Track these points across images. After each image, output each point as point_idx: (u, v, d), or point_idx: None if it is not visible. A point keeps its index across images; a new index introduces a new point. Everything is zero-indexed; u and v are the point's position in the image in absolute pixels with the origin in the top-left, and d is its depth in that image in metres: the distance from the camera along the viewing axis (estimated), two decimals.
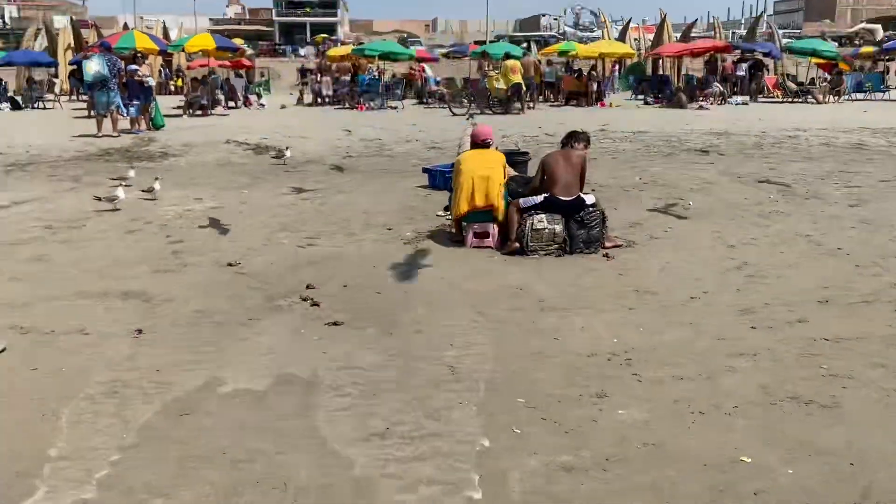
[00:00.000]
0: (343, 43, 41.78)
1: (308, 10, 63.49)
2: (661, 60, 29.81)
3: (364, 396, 3.45)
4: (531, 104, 21.92)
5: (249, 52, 32.91)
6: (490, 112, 19.99)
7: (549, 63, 28.22)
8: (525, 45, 37.65)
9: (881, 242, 6.32)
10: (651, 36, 34.27)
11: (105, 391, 3.51)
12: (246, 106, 23.73)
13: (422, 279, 5.35)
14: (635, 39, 35.77)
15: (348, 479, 2.77)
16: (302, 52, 31.87)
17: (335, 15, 63.78)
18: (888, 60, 30.13)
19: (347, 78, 24.69)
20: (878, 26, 44.57)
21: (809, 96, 24.90)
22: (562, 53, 29.65)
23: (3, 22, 57.93)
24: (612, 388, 3.53)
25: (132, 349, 4.03)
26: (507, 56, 21.79)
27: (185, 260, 5.85)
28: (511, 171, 6.75)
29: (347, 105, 23.29)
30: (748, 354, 3.92)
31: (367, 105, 22.57)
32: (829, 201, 8.10)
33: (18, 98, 24.04)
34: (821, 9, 69.59)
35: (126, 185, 8.29)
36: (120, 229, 6.93)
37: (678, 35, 32.22)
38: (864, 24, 48.88)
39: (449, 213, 6.75)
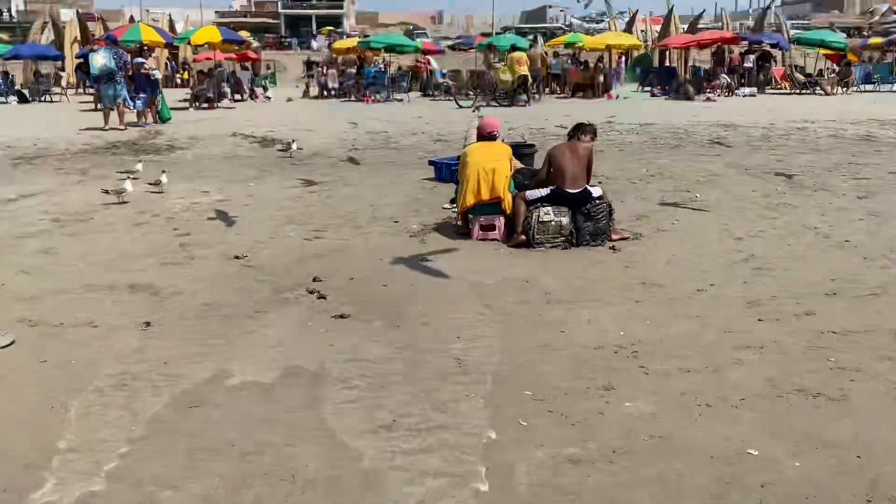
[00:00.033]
0: (349, 35, 41.72)
1: (314, 2, 63.39)
2: (667, 52, 29.68)
3: (371, 389, 3.46)
4: (537, 96, 21.86)
5: (255, 44, 32.92)
6: (496, 104, 19.95)
7: (556, 55, 28.12)
8: (531, 36, 37.49)
9: (889, 234, 6.29)
10: (658, 27, 34.10)
11: (114, 384, 3.52)
12: (252, 99, 23.73)
13: (428, 272, 5.35)
14: (642, 31, 35.60)
15: (356, 472, 2.78)
16: (314, 44, 31.78)
17: (341, 7, 63.61)
18: None
19: (353, 70, 24.66)
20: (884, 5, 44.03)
21: (817, 88, 24.77)
22: (568, 45, 29.54)
23: (10, 15, 58.01)
24: (619, 380, 3.53)
25: (140, 342, 4.05)
26: (514, 48, 21.69)
27: (192, 253, 5.87)
28: (517, 164, 6.74)
29: (353, 98, 23.27)
30: (755, 347, 3.92)
31: (372, 97, 22.54)
32: (837, 193, 8.06)
33: (25, 91, 24.10)
34: None
35: (133, 179, 8.31)
36: (127, 222, 6.95)
37: (685, 26, 32.07)
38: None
39: (455, 205, 6.75)
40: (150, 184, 8.32)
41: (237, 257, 5.70)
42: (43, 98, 23.79)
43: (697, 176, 9.18)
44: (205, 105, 19.94)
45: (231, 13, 62.19)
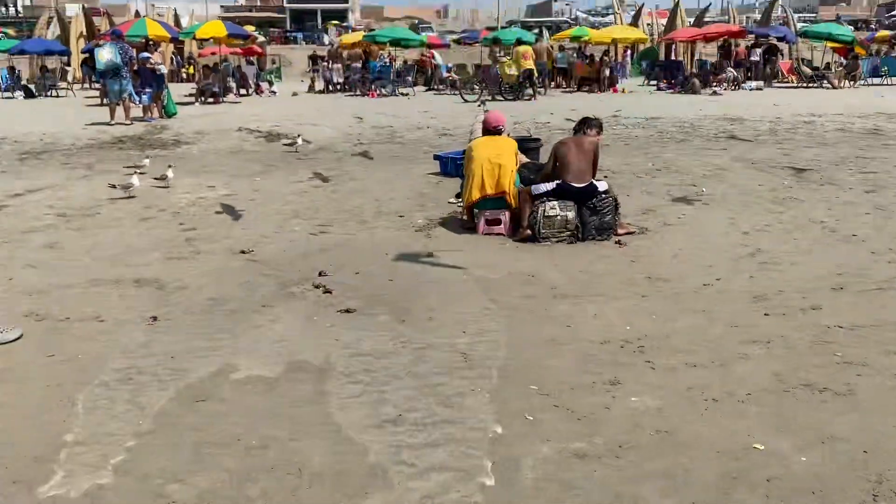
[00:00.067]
0: (354, 29, 41.67)
1: None
2: (674, 45, 29.57)
3: (377, 383, 3.47)
4: (542, 90, 21.81)
5: (261, 39, 32.88)
6: (502, 98, 19.91)
7: (562, 49, 28.05)
8: (537, 30, 37.38)
9: None
10: (664, 21, 33.96)
11: (120, 378, 3.54)
12: (257, 93, 23.74)
13: (433, 266, 5.35)
14: (648, 24, 35.47)
15: (362, 466, 2.79)
16: (326, 39, 31.71)
17: (346, 1, 63.55)
18: None
19: (359, 65, 24.64)
20: None
21: (825, 81, 24.65)
22: (574, 39, 29.45)
23: (16, 10, 58.13)
24: (625, 375, 3.52)
25: (146, 336, 4.06)
26: (519, 42, 21.66)
27: (198, 247, 5.88)
28: (523, 158, 6.73)
29: (359, 92, 23.25)
30: (761, 342, 3.91)
31: (378, 92, 22.53)
32: (844, 187, 8.03)
33: (32, 86, 24.15)
34: None
35: (140, 174, 8.33)
36: (133, 217, 6.97)
37: (691, 20, 31.92)
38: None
39: (460, 200, 6.74)
40: (155, 178, 8.34)
41: (243, 252, 5.71)
42: (49, 93, 23.84)
43: (704, 170, 9.15)
44: (210, 100, 19.95)
45: (236, 7, 62.20)
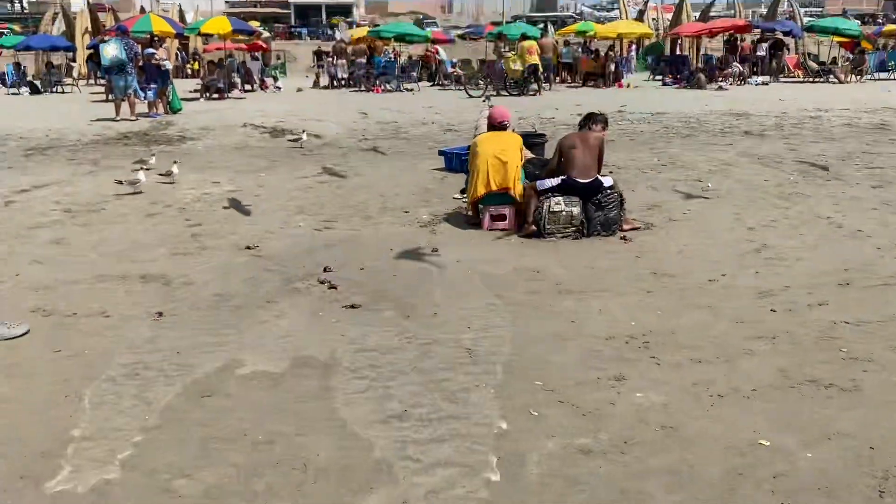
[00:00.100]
0: (359, 25, 41.62)
1: None
2: (679, 40, 29.47)
3: (382, 379, 3.47)
4: (547, 85, 21.76)
5: (265, 34, 32.89)
6: (506, 94, 19.88)
7: (567, 44, 27.97)
8: (542, 25, 37.29)
9: None
10: (670, 16, 33.84)
11: (127, 373, 3.55)
12: (262, 89, 23.74)
13: (438, 262, 5.35)
14: (653, 19, 35.36)
15: (367, 461, 2.80)
16: (337, 35, 31.63)
17: None
18: None
19: (363, 60, 24.61)
20: None
21: (831, 76, 24.54)
22: (579, 34, 29.37)
23: (21, 6, 58.19)
24: (630, 371, 3.52)
25: (153, 332, 4.07)
26: (524, 37, 21.59)
27: (203, 243, 5.89)
28: (528, 154, 6.73)
29: (363, 87, 23.24)
30: (767, 337, 3.90)
31: (382, 87, 22.51)
32: (851, 182, 8.00)
33: (37, 82, 24.20)
34: None
35: (147, 170, 8.34)
36: (139, 213, 6.98)
37: (697, 14, 31.81)
38: None
39: (465, 195, 6.74)
40: (161, 174, 8.35)
41: (248, 247, 5.72)
42: (55, 89, 23.88)
43: (709, 165, 9.13)
44: (215, 96, 19.96)
45: (241, 3, 62.13)
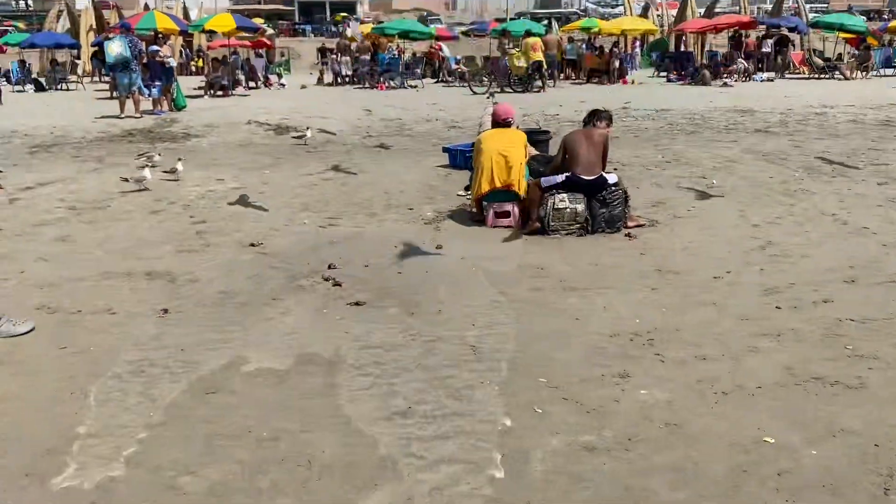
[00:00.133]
0: (363, 22, 41.60)
1: None
2: (684, 37, 29.39)
3: (386, 376, 3.48)
4: (552, 82, 21.73)
5: (269, 31, 32.90)
6: (511, 90, 19.85)
7: (571, 40, 27.94)
8: (546, 22, 37.25)
9: None
10: (674, 12, 33.75)
11: (132, 370, 3.56)
12: (266, 86, 23.74)
13: (443, 259, 5.35)
14: (658, 15, 35.26)
15: (372, 458, 2.80)
16: (348, 32, 31.65)
17: None
18: None
19: (367, 57, 24.61)
20: None
21: (836, 72, 24.46)
22: (583, 30, 29.33)
23: (26, 4, 58.29)
24: (635, 368, 3.52)
25: (158, 329, 4.08)
26: (528, 33, 21.58)
27: (208, 240, 5.90)
28: (532, 151, 6.72)
29: (367, 84, 23.23)
30: (772, 335, 3.89)
31: (386, 84, 22.50)
32: (856, 179, 7.97)
33: (42, 80, 24.24)
34: None
35: (153, 167, 8.35)
36: (144, 210, 7.00)
37: (702, 11, 31.72)
38: None
39: (469, 192, 6.74)
40: (165, 171, 8.37)
41: (253, 245, 5.73)
42: (59, 86, 23.92)
43: (714, 162, 9.11)
44: (219, 93, 19.97)
45: (245, 0, 62.12)
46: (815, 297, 4.44)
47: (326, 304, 4.45)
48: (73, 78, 24.97)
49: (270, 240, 5.88)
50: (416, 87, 22.75)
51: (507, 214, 6.16)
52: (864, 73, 24.69)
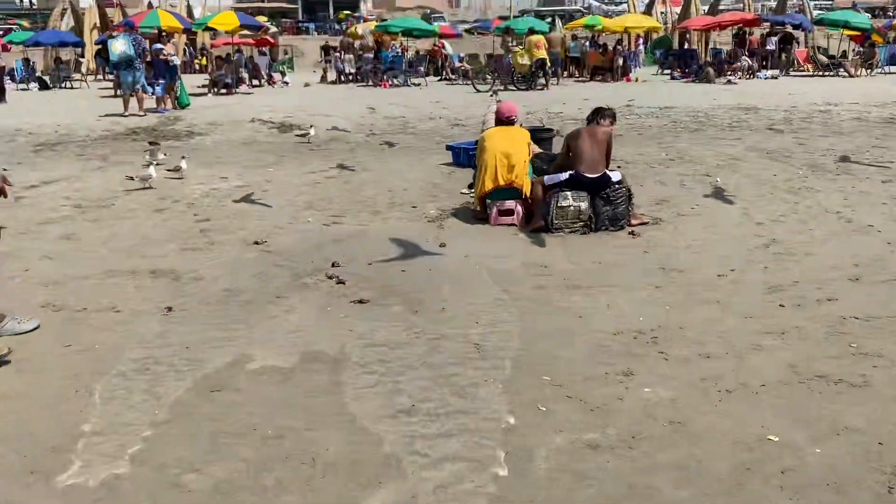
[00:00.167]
0: (366, 19, 41.57)
1: None
2: (687, 34, 29.33)
3: (390, 374, 3.48)
4: (555, 80, 21.70)
5: (273, 29, 32.88)
6: (514, 88, 19.84)
7: (574, 38, 27.89)
8: (550, 19, 37.17)
9: None
10: (678, 9, 33.67)
11: (137, 368, 3.57)
12: (270, 84, 23.75)
13: (446, 257, 5.35)
14: (662, 13, 35.17)
15: (376, 456, 2.81)
16: (359, 30, 31.70)
17: None
18: None
19: (371, 55, 24.61)
20: None
21: (841, 69, 24.39)
22: (587, 27, 29.27)
23: (30, 2, 58.37)
24: (638, 366, 3.52)
25: (162, 326, 4.09)
26: (532, 31, 21.53)
27: (212, 238, 5.91)
28: (536, 149, 6.72)
29: (371, 82, 23.23)
30: (776, 333, 3.89)
31: (390, 82, 22.49)
32: (861, 177, 7.95)
33: (46, 78, 24.28)
34: None
35: (158, 164, 8.36)
36: (148, 208, 7.01)
37: (706, 8, 31.65)
38: None
39: (473, 190, 6.74)
40: (169, 170, 8.38)
41: (257, 243, 5.74)
42: (63, 84, 23.96)
43: (717, 160, 9.10)
44: (223, 91, 19.99)
45: None
46: (820, 295, 4.44)
47: (330, 302, 4.46)
48: (77, 76, 25.00)
49: (274, 238, 5.89)
50: (419, 85, 22.74)
51: (510, 212, 6.16)
52: (868, 71, 24.62)
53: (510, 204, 6.17)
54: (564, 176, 6.00)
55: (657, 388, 3.30)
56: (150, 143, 9.30)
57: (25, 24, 44.54)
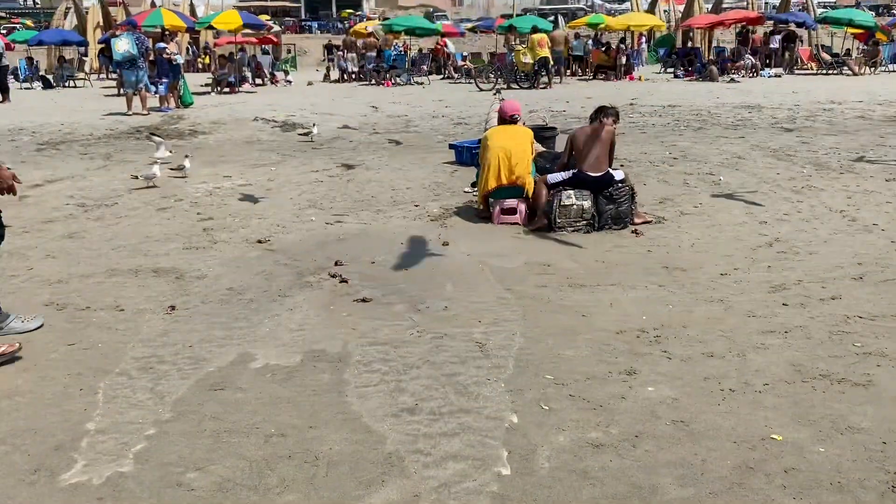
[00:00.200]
0: (368, 18, 41.57)
1: None
2: (691, 32, 29.30)
3: (393, 372, 3.48)
4: (558, 79, 21.68)
5: (276, 28, 32.91)
6: (517, 87, 19.83)
7: (577, 36, 27.87)
8: (552, 18, 37.16)
9: None
10: (681, 7, 33.62)
11: (140, 366, 3.58)
12: (273, 83, 23.78)
13: (449, 256, 5.35)
14: (665, 11, 35.13)
15: (379, 454, 2.81)
16: (370, 28, 31.74)
17: None
18: None
19: (373, 54, 24.62)
20: None
21: (844, 68, 24.34)
22: (590, 26, 29.25)
23: (34, 1, 58.45)
24: (641, 365, 3.52)
25: (165, 325, 4.10)
26: (535, 30, 21.53)
27: (215, 237, 5.92)
28: (539, 147, 6.71)
29: (374, 81, 23.23)
30: (779, 332, 3.88)
31: (393, 81, 22.50)
32: (865, 175, 7.94)
33: (50, 77, 24.34)
34: None
35: (162, 163, 8.37)
36: (151, 207, 7.02)
37: (709, 6, 31.59)
38: None
39: (476, 189, 6.74)
40: (172, 168, 8.39)
41: (259, 241, 5.74)
42: (67, 83, 24.01)
43: (721, 158, 9.08)
44: (226, 90, 20.01)
45: None
46: (823, 294, 4.43)
47: (333, 300, 4.46)
48: (81, 75, 25.06)
49: (277, 236, 5.90)
50: (422, 83, 22.73)
51: (513, 211, 6.16)
52: (872, 69, 24.57)
53: (513, 203, 6.17)
54: (567, 174, 5.99)
55: (660, 387, 3.30)
56: (151, 134, 9.29)
57: (29, 23, 44.63)
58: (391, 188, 7.68)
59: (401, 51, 24.66)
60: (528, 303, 4.37)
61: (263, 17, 30.66)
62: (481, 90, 19.44)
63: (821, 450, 2.79)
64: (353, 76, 24.95)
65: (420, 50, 28.60)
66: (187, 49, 29.85)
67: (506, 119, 6.51)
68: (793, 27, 27.05)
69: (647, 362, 3.55)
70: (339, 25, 47.51)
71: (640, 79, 23.22)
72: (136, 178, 7.93)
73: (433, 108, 15.27)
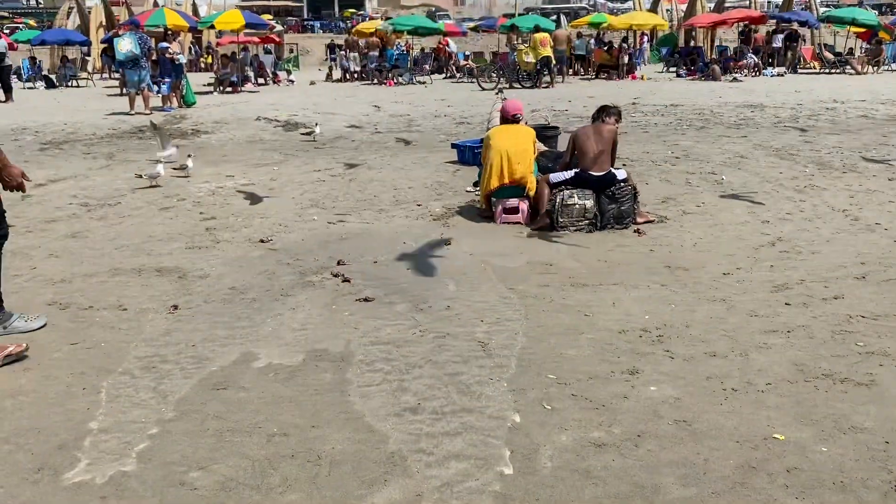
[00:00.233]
0: (371, 18, 41.59)
1: None
2: (693, 31, 29.27)
3: (396, 372, 3.48)
4: (560, 78, 21.68)
5: (278, 27, 32.94)
6: (519, 86, 19.82)
7: (580, 35, 27.86)
8: (555, 17, 37.12)
9: None
10: (684, 7, 33.59)
11: (143, 366, 3.58)
12: (275, 82, 23.80)
13: (451, 255, 5.35)
14: (667, 10, 35.11)
15: (381, 454, 2.81)
16: (380, 26, 31.74)
17: None
18: None
19: (376, 53, 24.63)
20: None
21: (847, 67, 24.30)
22: (592, 25, 29.24)
23: (37, 1, 58.53)
24: (644, 364, 3.52)
25: (168, 325, 4.10)
26: (537, 29, 21.53)
27: (217, 236, 5.93)
28: (541, 146, 6.71)
29: (376, 81, 23.24)
30: (782, 331, 3.88)
31: (395, 80, 22.50)
32: (868, 175, 7.93)
33: (52, 76, 24.38)
34: None
35: (166, 163, 8.38)
36: (154, 206, 7.03)
37: (711, 5, 31.56)
38: None
39: (478, 188, 6.74)
40: (175, 168, 8.40)
41: (262, 241, 5.75)
42: (69, 83, 24.04)
43: (723, 157, 9.07)
44: (228, 89, 20.03)
45: None
46: (826, 293, 4.43)
47: (336, 300, 4.46)
48: (84, 75, 25.10)
49: (280, 236, 5.90)
50: (424, 83, 22.74)
51: (515, 210, 6.16)
52: (875, 68, 24.53)
53: (515, 202, 6.17)
54: (570, 174, 5.99)
55: (663, 387, 3.30)
56: (154, 128, 9.29)
57: (32, 22, 44.69)
58: (393, 187, 7.68)
59: (403, 50, 24.68)
60: (530, 302, 4.37)
61: (266, 17, 30.74)
62: (483, 89, 19.44)
63: (823, 449, 2.79)
64: (356, 76, 24.96)
65: (422, 49, 28.62)
66: (190, 49, 29.90)
67: (508, 118, 6.51)
68: (795, 26, 27.01)
69: (649, 362, 3.55)
70: (342, 25, 47.51)
71: (642, 78, 23.21)
72: (140, 176, 7.95)
73: (435, 108, 15.27)
